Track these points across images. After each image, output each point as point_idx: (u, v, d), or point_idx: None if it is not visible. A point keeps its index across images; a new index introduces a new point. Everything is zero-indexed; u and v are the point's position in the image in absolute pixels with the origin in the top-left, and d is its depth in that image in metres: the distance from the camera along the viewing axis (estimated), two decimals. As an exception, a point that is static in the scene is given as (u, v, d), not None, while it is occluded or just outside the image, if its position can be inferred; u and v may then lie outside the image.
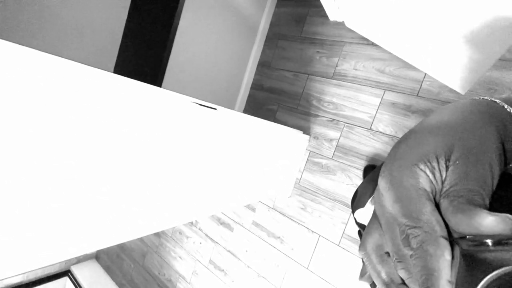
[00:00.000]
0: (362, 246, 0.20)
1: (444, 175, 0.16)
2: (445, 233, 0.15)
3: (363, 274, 0.21)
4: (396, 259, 0.17)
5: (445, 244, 0.14)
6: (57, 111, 0.41)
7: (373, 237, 0.19)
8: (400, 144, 0.19)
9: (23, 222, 0.42)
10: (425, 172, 0.17)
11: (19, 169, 0.39)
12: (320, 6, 1.44)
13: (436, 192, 0.17)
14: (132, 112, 0.52)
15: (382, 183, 0.18)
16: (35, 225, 0.44)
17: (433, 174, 0.17)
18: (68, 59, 0.41)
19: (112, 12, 0.95)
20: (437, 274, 0.14)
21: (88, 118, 0.45)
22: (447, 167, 0.16)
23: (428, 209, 0.15)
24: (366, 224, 0.55)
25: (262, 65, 1.63)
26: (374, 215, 0.20)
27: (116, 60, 1.01)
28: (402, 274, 0.16)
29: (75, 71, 0.42)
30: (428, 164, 0.17)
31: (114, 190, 0.54)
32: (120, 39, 1.00)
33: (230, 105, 1.63)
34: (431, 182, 0.16)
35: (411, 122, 1.18)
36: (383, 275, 0.18)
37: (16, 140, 0.38)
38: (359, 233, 0.64)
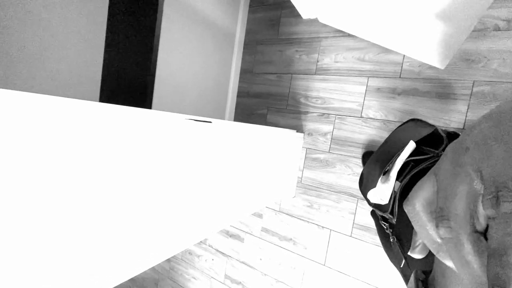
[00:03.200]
0: (409, 202, 0.19)
1: None
2: None
3: (414, 247, 0.20)
4: (443, 216, 0.15)
5: None
6: (51, 153, 0.40)
7: (425, 192, 0.18)
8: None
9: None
10: None
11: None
12: (292, 6, 1.48)
13: None
14: (130, 139, 0.51)
15: (488, 129, 0.15)
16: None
17: None
18: (54, 95, 0.41)
19: (88, 42, 0.95)
20: None
21: (87, 152, 0.44)
22: None
23: None
24: (380, 203, 0.56)
25: (245, 72, 1.65)
26: (433, 171, 0.18)
27: (100, 89, 1.00)
28: (443, 232, 0.15)
29: (70, 107, 0.41)
30: None
31: (118, 224, 0.53)
32: (101, 69, 1.00)
33: (220, 117, 1.63)
34: None
35: (398, 103, 1.20)
36: (434, 233, 0.17)
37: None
38: (373, 213, 0.64)
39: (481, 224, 0.14)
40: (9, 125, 0.35)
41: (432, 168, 0.19)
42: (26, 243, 0.39)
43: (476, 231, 0.14)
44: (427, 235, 0.17)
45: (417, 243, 0.20)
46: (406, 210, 0.19)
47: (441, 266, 0.19)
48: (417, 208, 0.18)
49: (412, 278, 0.23)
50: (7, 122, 0.34)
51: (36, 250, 0.40)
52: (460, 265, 0.14)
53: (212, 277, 1.71)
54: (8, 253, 0.37)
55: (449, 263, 0.16)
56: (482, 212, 0.14)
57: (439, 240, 0.17)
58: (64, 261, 0.44)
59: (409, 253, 0.20)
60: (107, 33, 0.98)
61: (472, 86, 1.07)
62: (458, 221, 0.14)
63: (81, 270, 0.47)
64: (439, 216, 0.15)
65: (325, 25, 1.37)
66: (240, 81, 1.67)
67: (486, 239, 0.14)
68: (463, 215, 0.14)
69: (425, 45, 1.03)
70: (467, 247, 0.14)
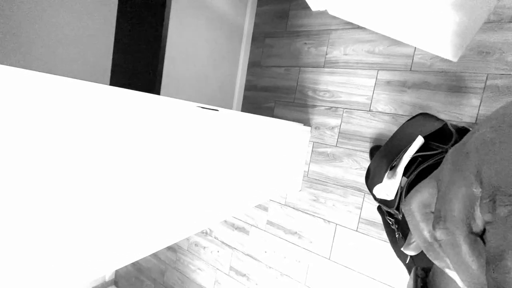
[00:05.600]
0: (406, 202, 0.19)
1: None
2: None
3: (408, 244, 0.20)
4: (440, 218, 0.15)
5: None
6: (66, 136, 0.41)
7: (422, 194, 0.19)
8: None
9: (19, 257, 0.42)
10: None
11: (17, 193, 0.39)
12: (301, -2, 1.45)
13: None
14: (139, 123, 0.52)
15: (487, 134, 0.15)
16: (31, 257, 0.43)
17: None
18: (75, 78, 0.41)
19: (99, 30, 0.95)
20: None
21: (96, 134, 0.45)
22: None
23: None
24: (386, 198, 0.55)
25: (253, 65, 1.63)
26: (434, 176, 0.19)
27: (111, 76, 1.01)
28: (440, 234, 0.15)
29: (90, 91, 0.42)
30: None
31: (123, 208, 0.54)
32: (111, 56, 1.00)
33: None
34: None
35: (408, 97, 1.18)
36: (426, 233, 0.18)
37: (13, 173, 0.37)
38: (379, 208, 0.64)
39: (478, 226, 0.14)
40: (25, 105, 0.35)
41: (433, 173, 0.19)
42: (26, 219, 0.40)
43: (473, 233, 0.14)
44: (420, 235, 0.18)
45: (412, 240, 0.21)
46: (403, 211, 0.20)
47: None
48: (412, 207, 0.19)
49: (412, 275, 0.23)
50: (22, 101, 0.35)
51: (36, 230, 0.41)
52: (458, 266, 0.14)
53: (217, 268, 1.73)
54: (6, 238, 0.38)
55: (438, 263, 0.17)
56: (480, 216, 0.14)
57: (430, 240, 0.17)
58: (66, 243, 0.45)
59: (402, 249, 0.21)
60: (116, 23, 0.99)
61: (486, 79, 1.03)
62: (454, 222, 0.14)
63: (82, 252, 0.48)
64: (437, 217, 0.16)
65: (334, 17, 1.34)
66: (247, 74, 1.66)
67: (484, 242, 0.14)
68: (459, 216, 0.14)
69: (438, 36, 0.99)
70: (464, 249, 0.14)
